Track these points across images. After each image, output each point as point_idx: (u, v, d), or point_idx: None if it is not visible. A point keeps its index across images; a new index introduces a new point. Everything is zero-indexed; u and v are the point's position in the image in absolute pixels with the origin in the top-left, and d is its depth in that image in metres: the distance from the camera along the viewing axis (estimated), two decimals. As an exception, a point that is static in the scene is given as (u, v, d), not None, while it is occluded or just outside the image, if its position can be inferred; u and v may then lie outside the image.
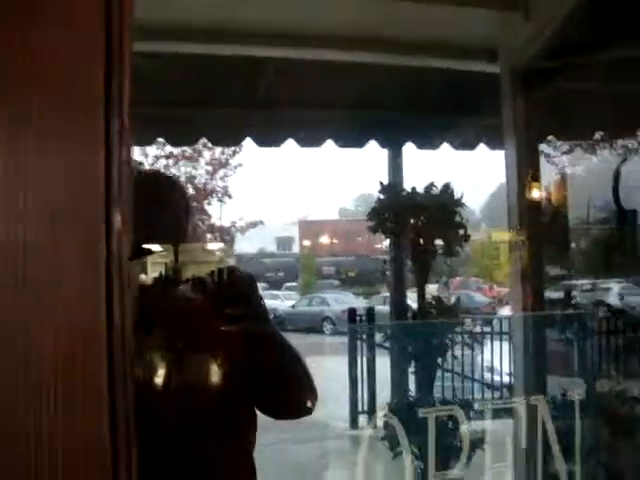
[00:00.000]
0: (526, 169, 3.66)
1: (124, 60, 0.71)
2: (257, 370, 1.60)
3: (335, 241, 31.08)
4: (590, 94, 4.20)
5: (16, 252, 0.67)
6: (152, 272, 1.58)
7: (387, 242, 6.46)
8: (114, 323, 0.68)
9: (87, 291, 0.68)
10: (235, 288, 1.56)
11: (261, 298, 1.65)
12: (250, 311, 1.57)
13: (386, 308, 7.70)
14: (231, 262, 1.74)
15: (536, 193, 3.71)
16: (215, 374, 1.62)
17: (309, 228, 32.14)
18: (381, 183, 5.55)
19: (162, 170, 11.74)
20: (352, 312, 8.29)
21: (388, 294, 8.16)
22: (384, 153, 5.78)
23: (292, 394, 1.67)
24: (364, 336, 7.51)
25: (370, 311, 8.35)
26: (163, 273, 1.58)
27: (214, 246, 1.88)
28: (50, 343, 0.67)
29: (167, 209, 1.71)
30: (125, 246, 0.70)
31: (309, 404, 1.67)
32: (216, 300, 1.55)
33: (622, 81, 3.97)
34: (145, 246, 1.55)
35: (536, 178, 3.72)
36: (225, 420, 1.60)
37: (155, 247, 1.58)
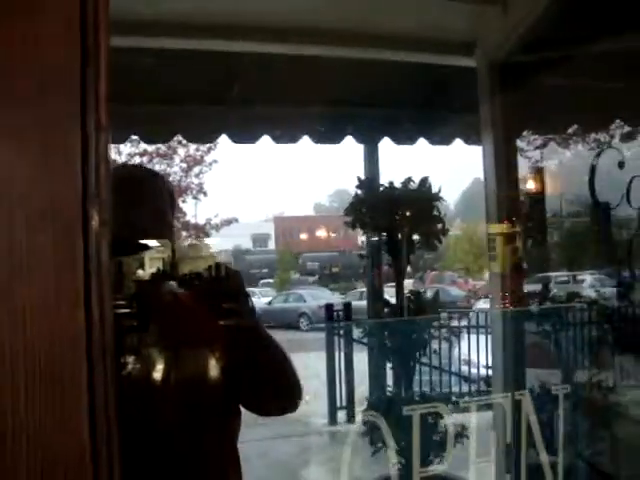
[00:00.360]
0: (503, 163, 3.67)
1: (100, 56, 0.69)
2: (244, 366, 1.60)
3: (311, 237, 31.10)
4: (566, 89, 4.21)
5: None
6: (150, 268, 1.58)
7: (364, 237, 6.47)
8: (93, 322, 0.67)
9: (65, 291, 0.66)
10: (227, 284, 1.57)
11: (248, 295, 1.65)
12: (239, 308, 1.58)
13: (362, 303, 7.70)
14: (223, 258, 1.75)
15: (513, 187, 3.72)
16: (203, 370, 1.63)
17: (285, 224, 32.15)
18: (358, 178, 5.55)
19: (149, 167, 11.73)
20: (329, 308, 8.27)
21: (364, 289, 8.17)
22: (360, 149, 5.77)
23: (278, 391, 1.68)
24: (342, 332, 7.50)
25: (347, 307, 8.33)
26: (161, 268, 1.58)
27: (209, 242, 1.89)
28: (28, 343, 0.65)
29: (159, 205, 1.72)
30: (104, 245, 0.68)
31: (295, 401, 1.68)
32: (208, 296, 1.56)
33: (599, 76, 3.98)
34: (142, 242, 1.55)
35: (513, 172, 3.74)
36: (213, 415, 1.62)
37: (152, 242, 1.58)
